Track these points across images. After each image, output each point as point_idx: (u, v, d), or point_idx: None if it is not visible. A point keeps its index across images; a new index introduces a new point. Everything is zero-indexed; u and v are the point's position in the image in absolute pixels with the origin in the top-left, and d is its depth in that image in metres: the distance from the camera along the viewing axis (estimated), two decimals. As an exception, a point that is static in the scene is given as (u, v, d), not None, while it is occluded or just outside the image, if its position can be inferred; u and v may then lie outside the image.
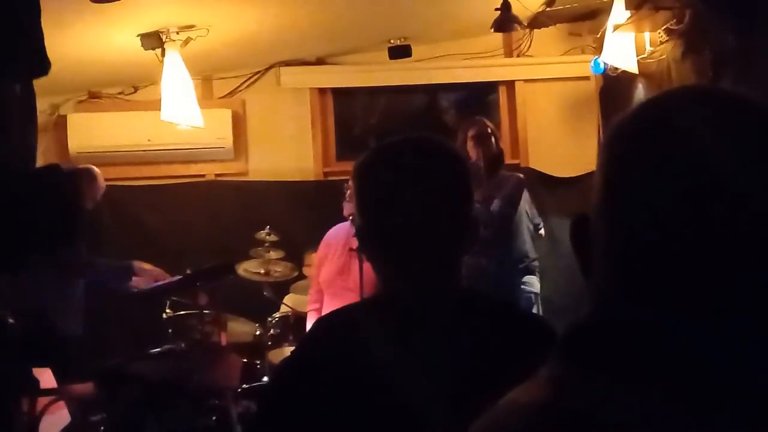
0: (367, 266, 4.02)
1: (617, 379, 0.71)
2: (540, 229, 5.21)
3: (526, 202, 4.88)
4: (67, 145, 5.73)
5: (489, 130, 4.71)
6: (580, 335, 0.77)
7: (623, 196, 0.75)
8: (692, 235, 0.70)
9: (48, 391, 3.69)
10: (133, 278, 4.65)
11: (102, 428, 4.01)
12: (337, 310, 1.53)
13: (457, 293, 1.47)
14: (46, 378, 3.70)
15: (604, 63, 5.27)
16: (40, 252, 1.16)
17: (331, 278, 4.40)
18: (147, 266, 4.70)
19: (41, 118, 5.81)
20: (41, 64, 1.16)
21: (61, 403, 3.77)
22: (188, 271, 4.49)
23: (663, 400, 0.68)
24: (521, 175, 5.00)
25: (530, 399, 0.75)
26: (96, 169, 4.82)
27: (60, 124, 5.83)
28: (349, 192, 4.38)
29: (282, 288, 5.29)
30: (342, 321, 1.47)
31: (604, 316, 0.76)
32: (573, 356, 0.76)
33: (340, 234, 4.50)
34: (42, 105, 5.67)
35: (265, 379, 4.65)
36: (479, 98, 6.47)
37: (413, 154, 1.48)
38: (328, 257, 4.45)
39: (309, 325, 4.52)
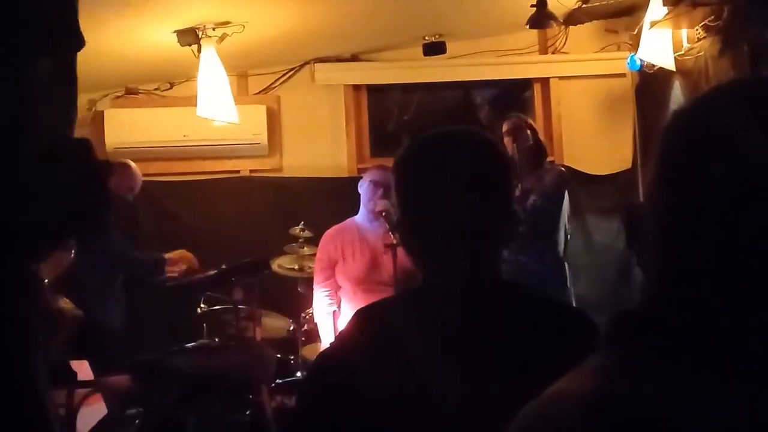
0: (399, 261, 4.03)
1: (669, 366, 0.70)
2: (567, 235, 5.12)
3: (566, 205, 4.76)
4: (104, 140, 5.78)
5: (523, 124, 4.67)
6: (630, 324, 0.77)
7: (679, 188, 0.75)
8: (747, 227, 0.69)
9: (85, 383, 3.73)
10: (167, 268, 4.74)
11: (137, 421, 4.05)
12: (375, 302, 1.52)
13: (498, 286, 1.47)
14: (83, 370, 3.74)
15: (641, 60, 5.22)
16: (65, 234, 1.15)
17: (363, 274, 4.41)
18: (177, 253, 4.79)
19: (79, 113, 5.86)
20: (74, 40, 1.15)
21: (98, 396, 3.81)
22: (223, 266, 4.52)
23: (717, 388, 0.68)
24: (562, 169, 4.94)
25: (579, 387, 0.74)
26: (132, 162, 4.90)
27: (97, 120, 5.89)
28: (381, 191, 4.39)
29: (315, 284, 5.31)
30: (383, 313, 1.47)
31: (656, 305, 0.76)
32: (623, 344, 0.76)
33: (348, 230, 4.52)
34: (80, 101, 5.71)
35: (299, 374, 4.67)
36: (514, 95, 6.44)
37: (453, 147, 1.48)
38: (346, 254, 4.47)
39: (325, 326, 4.53)
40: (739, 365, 0.69)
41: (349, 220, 4.62)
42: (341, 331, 1.49)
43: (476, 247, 1.44)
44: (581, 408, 0.72)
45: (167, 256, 4.85)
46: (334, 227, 4.62)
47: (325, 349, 1.53)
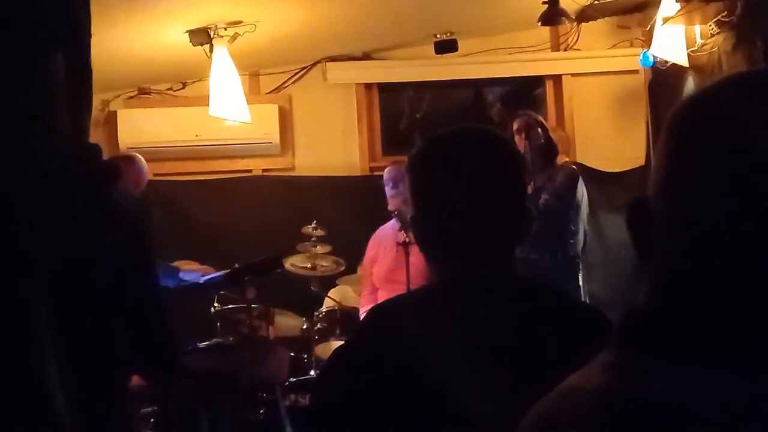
0: (413, 260, 4.03)
1: (679, 364, 0.70)
2: (586, 235, 5.08)
3: (585, 203, 4.74)
4: (117, 140, 5.80)
5: (533, 122, 4.65)
6: (638, 321, 0.77)
7: (685, 181, 0.74)
8: (753, 222, 0.69)
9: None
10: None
11: (152, 420, 4.06)
12: (389, 299, 1.53)
13: (511, 282, 1.47)
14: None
15: (654, 56, 5.20)
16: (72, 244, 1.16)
17: (384, 275, 4.43)
18: (193, 266, 4.75)
19: (92, 114, 5.89)
20: (77, 32, 1.14)
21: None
22: (236, 266, 4.53)
23: (726, 385, 0.68)
24: (574, 167, 4.92)
25: (588, 384, 0.74)
26: (137, 155, 4.83)
27: (110, 120, 5.91)
28: (389, 187, 4.39)
29: (328, 282, 5.31)
30: (395, 310, 1.47)
31: (664, 301, 0.75)
32: (631, 342, 0.76)
33: (387, 231, 4.52)
34: (93, 101, 5.75)
35: (313, 372, 4.67)
36: (526, 92, 6.43)
37: (466, 144, 1.49)
38: (380, 255, 4.48)
39: None
40: (749, 362, 0.68)
41: (391, 221, 4.59)
42: (355, 328, 1.50)
43: (490, 244, 1.44)
44: (590, 404, 0.72)
45: (182, 268, 4.76)
46: (382, 226, 4.61)
47: (339, 347, 1.53)
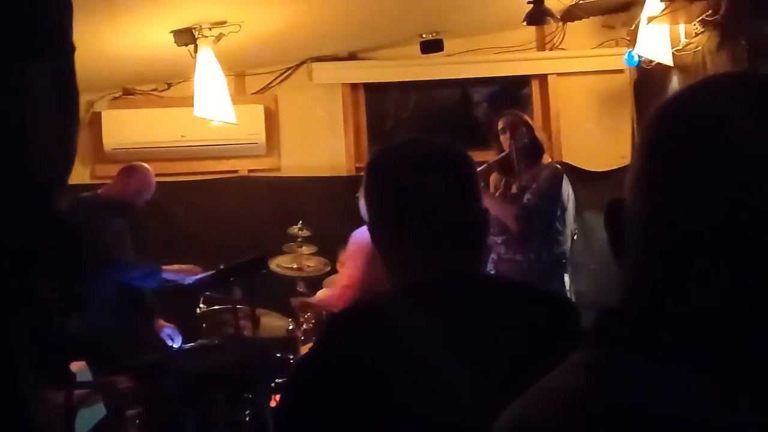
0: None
1: (652, 364, 0.70)
2: (574, 234, 5.08)
3: (571, 202, 4.73)
4: (101, 141, 5.78)
5: (519, 121, 4.65)
6: (613, 320, 0.77)
7: (660, 183, 0.74)
8: (729, 223, 0.69)
9: (84, 384, 3.73)
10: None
11: (137, 422, 4.05)
12: (358, 301, 1.56)
13: (471, 278, 1.50)
14: (82, 371, 3.74)
15: (638, 55, 5.22)
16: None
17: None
18: (175, 267, 4.73)
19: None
20: (55, 46, 1.13)
21: (97, 397, 3.81)
22: (221, 266, 4.52)
23: (699, 386, 0.67)
24: (558, 166, 4.91)
25: (564, 384, 0.74)
26: (140, 166, 4.82)
27: (95, 121, 5.89)
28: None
29: (314, 283, 5.31)
30: (362, 312, 1.50)
31: (638, 302, 0.75)
32: (606, 342, 0.75)
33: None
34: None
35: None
36: (512, 92, 6.44)
37: (423, 152, 1.55)
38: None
39: None
40: (723, 363, 0.68)
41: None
42: (324, 331, 1.53)
43: (446, 243, 1.48)
44: (565, 405, 0.72)
45: (166, 268, 4.74)
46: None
47: (305, 354, 1.55)
